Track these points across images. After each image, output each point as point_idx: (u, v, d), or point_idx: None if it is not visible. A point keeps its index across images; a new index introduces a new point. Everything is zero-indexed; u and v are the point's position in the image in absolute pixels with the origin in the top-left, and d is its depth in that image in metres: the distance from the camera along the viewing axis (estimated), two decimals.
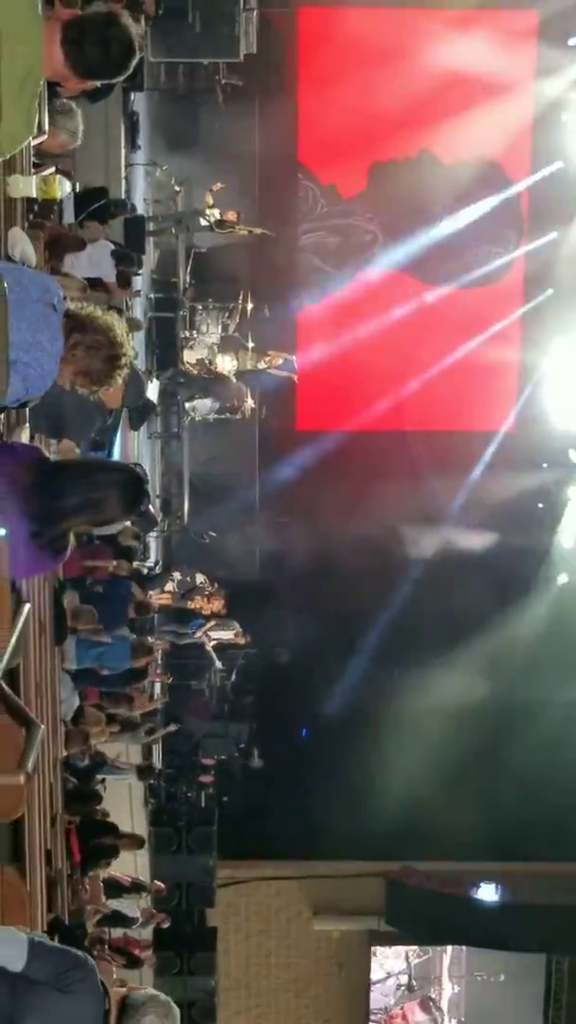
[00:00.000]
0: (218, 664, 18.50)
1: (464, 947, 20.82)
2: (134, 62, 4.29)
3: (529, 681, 19.57)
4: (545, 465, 20.97)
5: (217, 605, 17.93)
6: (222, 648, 18.44)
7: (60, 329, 4.30)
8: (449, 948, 20.81)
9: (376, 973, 20.62)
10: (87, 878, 11.65)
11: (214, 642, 18.10)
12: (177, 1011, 4.89)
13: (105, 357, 4.46)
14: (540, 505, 21.00)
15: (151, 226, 17.61)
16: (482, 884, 19.92)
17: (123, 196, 15.50)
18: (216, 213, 18.07)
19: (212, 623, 18.02)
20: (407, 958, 20.83)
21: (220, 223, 18.03)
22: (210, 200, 18.00)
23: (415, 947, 20.82)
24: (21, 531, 4.20)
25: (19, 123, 3.95)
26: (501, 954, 20.40)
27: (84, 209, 12.67)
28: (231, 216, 18.17)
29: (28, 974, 4.40)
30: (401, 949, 20.74)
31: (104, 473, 4.45)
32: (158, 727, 16.43)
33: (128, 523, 13.69)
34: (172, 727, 16.92)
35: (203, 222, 18.07)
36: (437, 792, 18.99)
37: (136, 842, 13.22)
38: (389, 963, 20.82)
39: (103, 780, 13.06)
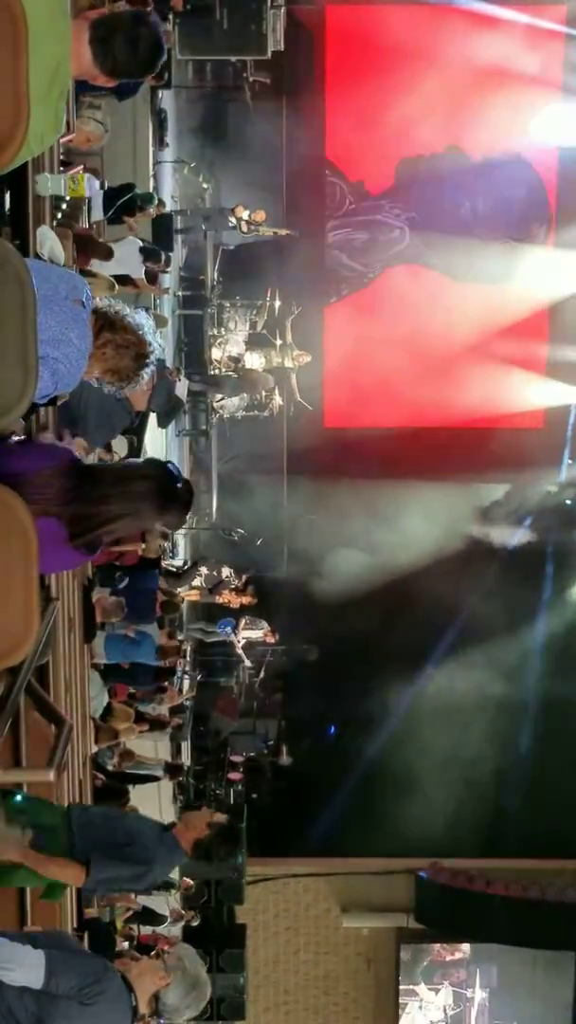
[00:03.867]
0: (247, 663, 18.51)
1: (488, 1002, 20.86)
2: (162, 60, 4.29)
3: (562, 678, 19.52)
4: (570, 461, 20.91)
5: (246, 599, 17.94)
6: (251, 645, 18.45)
7: (89, 326, 4.31)
8: (476, 999, 20.84)
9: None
10: None
11: (243, 641, 18.12)
12: (207, 991, 4.93)
13: (134, 355, 4.48)
14: (568, 501, 20.93)
15: (179, 223, 17.65)
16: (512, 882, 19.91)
17: (151, 192, 15.51)
18: (245, 215, 18.10)
19: (243, 621, 18.03)
20: (445, 1011, 20.88)
21: (246, 223, 18.06)
22: (243, 212, 18.07)
23: (451, 1000, 20.85)
24: (59, 534, 4.21)
25: (46, 122, 3.96)
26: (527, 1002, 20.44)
27: (112, 205, 12.69)
28: (259, 217, 18.19)
29: (48, 990, 4.42)
30: (441, 1002, 20.80)
31: (141, 481, 4.40)
32: (187, 724, 16.46)
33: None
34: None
35: (231, 221, 18.08)
36: (467, 788, 18.98)
37: None
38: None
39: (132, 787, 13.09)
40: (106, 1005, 4.52)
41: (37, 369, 3.89)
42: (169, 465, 4.43)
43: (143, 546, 12.69)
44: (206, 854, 6.38)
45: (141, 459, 9.90)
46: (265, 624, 18.06)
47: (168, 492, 4.37)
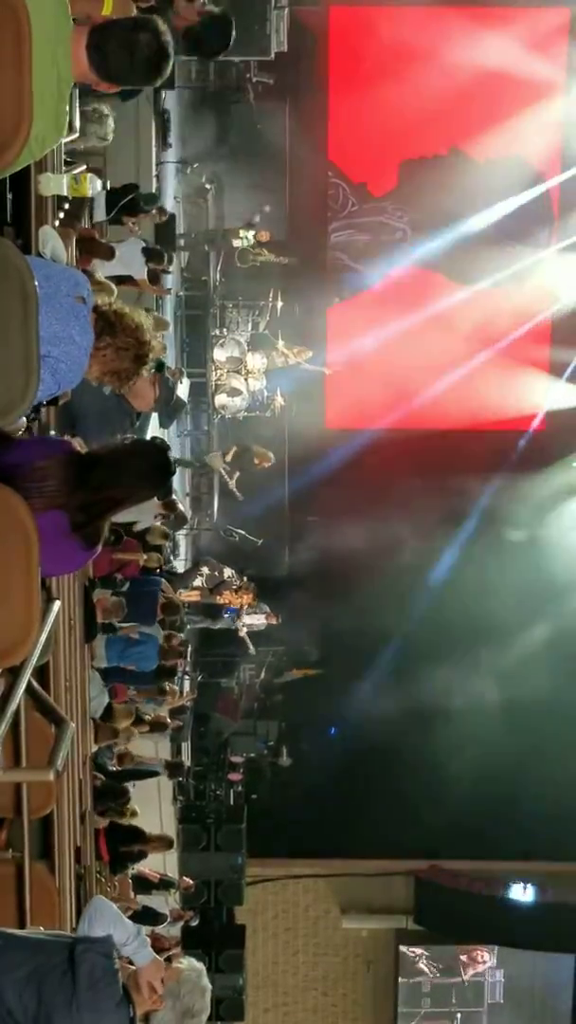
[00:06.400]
0: (252, 649, 18.33)
1: None
2: (166, 68, 4.21)
3: (562, 679, 19.51)
4: (575, 464, 20.92)
5: (246, 599, 17.91)
6: (255, 636, 18.35)
7: (91, 322, 4.32)
8: None
9: None
10: (115, 875, 11.68)
11: (246, 628, 18.03)
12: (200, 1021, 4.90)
13: (133, 357, 4.50)
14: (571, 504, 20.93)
15: (182, 242, 17.73)
16: (512, 883, 19.88)
17: (154, 192, 15.53)
18: (250, 236, 18.15)
19: (245, 607, 17.98)
20: None
21: (243, 253, 18.13)
22: (247, 233, 18.18)
23: None
24: (61, 526, 4.23)
25: (48, 125, 3.96)
26: None
27: (115, 206, 12.70)
28: (263, 237, 18.25)
29: (79, 965, 4.43)
30: None
31: (135, 459, 4.52)
32: (187, 725, 16.44)
33: (157, 522, 13.72)
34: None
35: (236, 243, 18.16)
36: (467, 790, 18.97)
37: (165, 843, 13.21)
38: None
39: (134, 784, 13.07)
40: (112, 1006, 4.52)
41: (39, 368, 3.90)
42: (156, 440, 4.54)
43: (144, 557, 12.70)
44: (196, 42, 6.28)
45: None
46: (265, 607, 17.95)
47: (162, 465, 4.50)
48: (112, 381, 4.59)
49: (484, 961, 20.61)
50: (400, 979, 20.46)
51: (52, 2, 3.91)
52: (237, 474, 18.03)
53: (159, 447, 4.64)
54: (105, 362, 4.45)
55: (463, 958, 20.62)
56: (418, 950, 20.51)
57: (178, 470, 16.98)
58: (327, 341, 20.34)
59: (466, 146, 19.98)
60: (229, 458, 17.81)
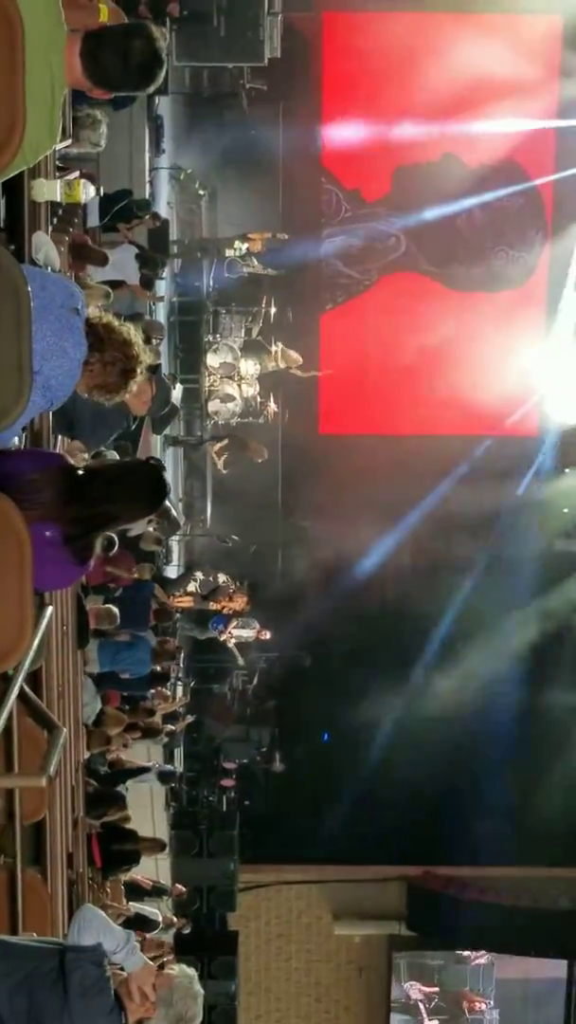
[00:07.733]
0: (241, 661, 18.35)
1: None
2: (159, 75, 4.20)
3: (555, 686, 19.52)
4: (567, 471, 20.91)
5: (240, 604, 17.90)
6: (244, 647, 18.36)
7: (84, 334, 4.31)
8: None
9: None
10: (108, 881, 11.65)
11: (235, 639, 18.04)
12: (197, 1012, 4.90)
13: (120, 371, 4.49)
14: (565, 510, 20.94)
15: (175, 249, 17.75)
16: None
17: (147, 198, 15.54)
18: (243, 248, 18.19)
19: (234, 623, 17.99)
20: None
21: (231, 264, 18.20)
22: (242, 246, 18.23)
23: None
24: (53, 539, 4.21)
25: (42, 132, 3.95)
26: None
27: (108, 212, 12.72)
28: (255, 247, 18.29)
29: (70, 973, 4.43)
30: None
31: (133, 477, 4.52)
32: (179, 730, 16.43)
33: (150, 528, 13.72)
34: (190, 718, 17.01)
35: (228, 253, 18.22)
36: (459, 796, 18.97)
37: (157, 846, 13.21)
38: None
39: (127, 788, 13.05)
40: (103, 1013, 4.51)
41: (32, 376, 3.89)
42: (152, 459, 4.53)
43: (136, 575, 12.72)
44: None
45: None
46: (255, 622, 17.96)
47: (159, 486, 4.49)
48: (100, 395, 4.58)
49: (482, 1010, 20.76)
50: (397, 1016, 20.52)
51: (45, 9, 3.90)
52: (225, 455, 18.10)
53: (155, 467, 4.63)
54: (92, 376, 4.44)
55: (464, 1005, 20.71)
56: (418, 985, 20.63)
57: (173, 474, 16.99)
58: (320, 347, 20.34)
59: (459, 151, 20.00)
60: (219, 450, 17.85)
